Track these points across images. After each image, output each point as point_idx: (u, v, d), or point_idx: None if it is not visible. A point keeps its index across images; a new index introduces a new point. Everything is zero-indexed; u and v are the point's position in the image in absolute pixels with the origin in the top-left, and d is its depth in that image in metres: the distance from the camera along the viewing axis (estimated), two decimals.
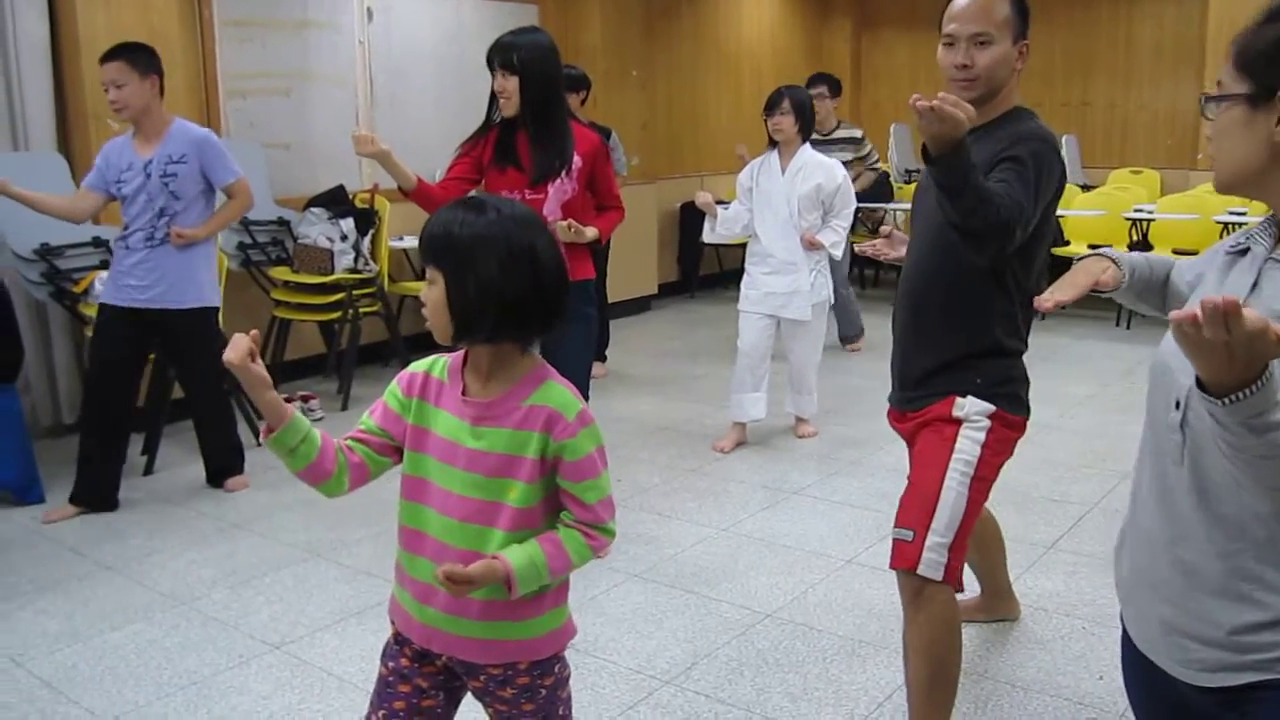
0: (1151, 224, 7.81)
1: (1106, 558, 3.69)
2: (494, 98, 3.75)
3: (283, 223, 5.89)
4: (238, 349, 1.66)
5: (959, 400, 2.44)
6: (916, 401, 2.54)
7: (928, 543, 2.38)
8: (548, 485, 1.72)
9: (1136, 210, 7.88)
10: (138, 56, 4.13)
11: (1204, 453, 1.36)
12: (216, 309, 4.46)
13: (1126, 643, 1.57)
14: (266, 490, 4.54)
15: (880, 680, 2.98)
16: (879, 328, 7.06)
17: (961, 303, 2.42)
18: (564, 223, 3.58)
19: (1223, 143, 1.39)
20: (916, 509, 2.43)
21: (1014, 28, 2.37)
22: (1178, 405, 1.39)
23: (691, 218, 9.03)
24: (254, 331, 1.70)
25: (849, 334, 7.01)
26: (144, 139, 4.23)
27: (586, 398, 3.76)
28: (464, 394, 1.75)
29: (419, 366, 1.82)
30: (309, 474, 1.77)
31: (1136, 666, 1.54)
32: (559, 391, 1.71)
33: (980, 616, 3.25)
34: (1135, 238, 7.95)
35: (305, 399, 5.56)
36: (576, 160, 3.67)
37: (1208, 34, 8.63)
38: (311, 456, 1.75)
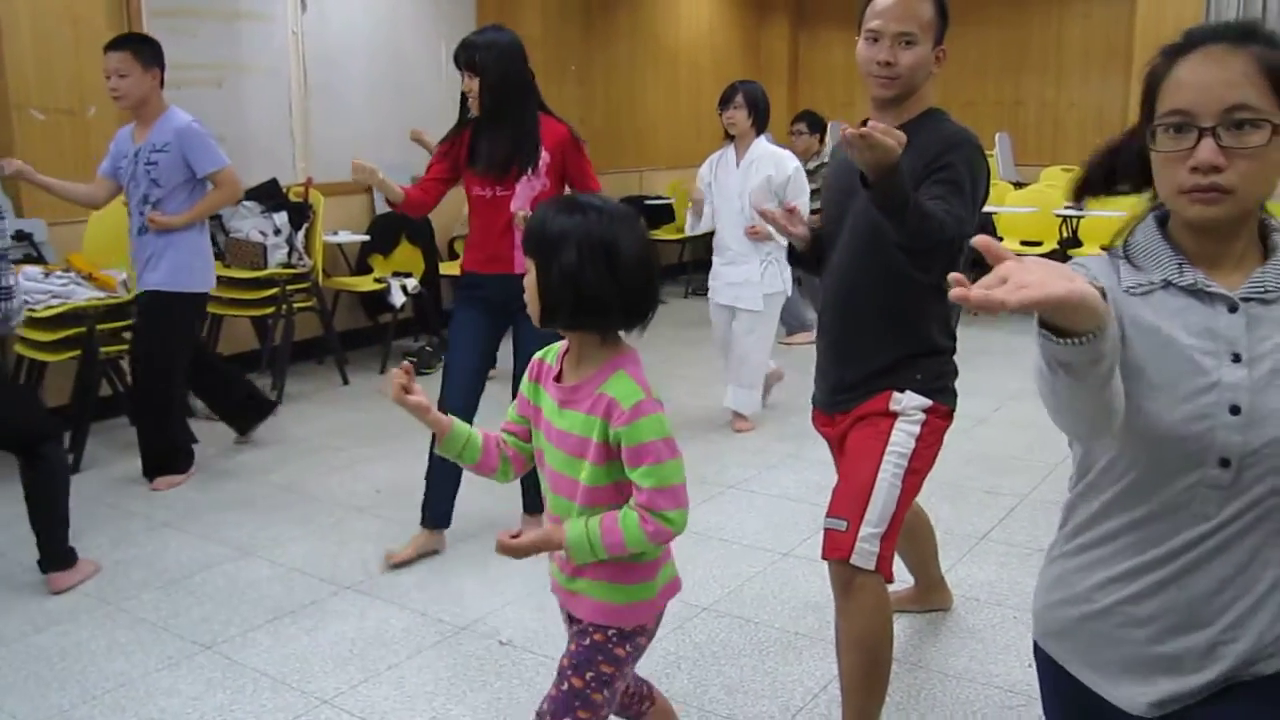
0: (1081, 221, 7.98)
1: (1037, 548, 3.77)
2: (464, 97, 3.75)
3: (214, 217, 5.77)
4: (394, 385, 1.88)
5: (896, 395, 2.47)
6: (850, 402, 2.55)
7: (861, 533, 2.39)
8: (615, 468, 1.88)
9: (1067, 208, 8.03)
10: (142, 49, 4.27)
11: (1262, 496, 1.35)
12: (187, 296, 4.44)
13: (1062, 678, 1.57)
14: (198, 489, 4.46)
15: (816, 671, 3.00)
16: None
17: (898, 306, 2.45)
18: (523, 213, 3.59)
19: (1265, 175, 1.33)
20: (850, 499, 2.44)
21: (936, 30, 2.38)
22: (1224, 463, 1.35)
23: None
24: (405, 364, 1.93)
25: (791, 327, 7.06)
26: (141, 128, 4.37)
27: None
28: (558, 378, 1.95)
29: (540, 354, 2.03)
30: (480, 469, 2.05)
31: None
32: (624, 381, 1.86)
33: (913, 607, 3.29)
34: (1065, 234, 8.11)
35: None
36: (545, 155, 3.65)
37: (1135, 36, 8.82)
38: (476, 458, 2.02)
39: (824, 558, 2.48)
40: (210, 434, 5.15)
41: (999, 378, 5.95)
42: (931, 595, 3.31)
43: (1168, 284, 1.41)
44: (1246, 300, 1.37)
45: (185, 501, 4.32)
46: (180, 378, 4.58)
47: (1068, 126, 9.36)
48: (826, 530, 2.46)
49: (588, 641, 1.97)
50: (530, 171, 3.65)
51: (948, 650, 3.11)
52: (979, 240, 1.17)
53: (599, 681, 1.97)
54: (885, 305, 2.46)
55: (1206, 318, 1.38)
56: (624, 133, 9.00)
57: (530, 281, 1.86)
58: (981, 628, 3.25)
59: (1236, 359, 1.35)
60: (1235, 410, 1.34)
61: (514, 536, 1.91)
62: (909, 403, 2.46)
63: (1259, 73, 1.30)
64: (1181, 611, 1.40)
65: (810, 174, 6.80)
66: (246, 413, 4.95)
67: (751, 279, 5.10)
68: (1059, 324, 1.15)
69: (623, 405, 1.83)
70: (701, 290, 8.94)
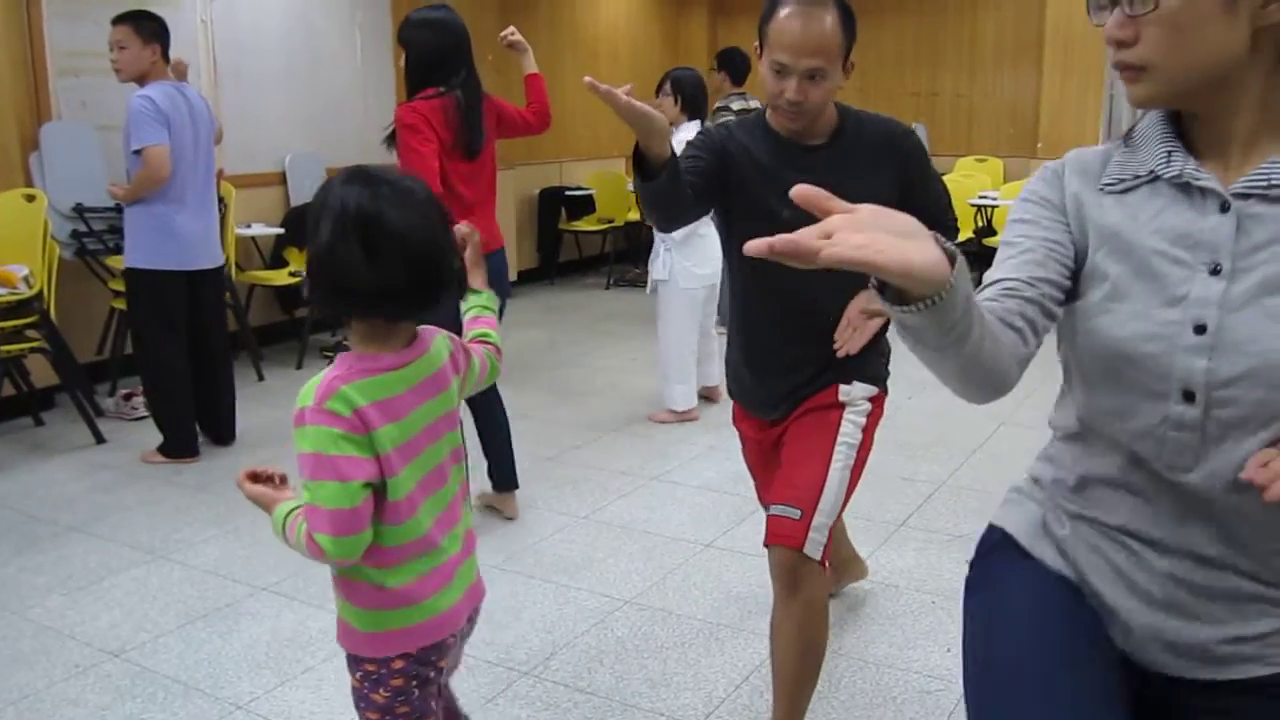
0: (995, 210, 8.14)
1: (953, 533, 3.82)
2: None
3: (119, 210, 5.61)
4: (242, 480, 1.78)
5: (843, 387, 2.45)
6: (796, 403, 2.50)
7: (814, 523, 2.34)
8: None
9: (981, 197, 8.19)
10: (143, 24, 4.40)
11: (1245, 441, 1.14)
12: (137, 273, 4.52)
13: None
14: (104, 491, 4.33)
15: (738, 662, 3.01)
16: None
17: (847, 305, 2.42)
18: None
19: (1180, 39, 1.11)
20: (804, 488, 2.38)
21: (844, 51, 2.23)
22: (1188, 396, 1.16)
23: (550, 204, 9.00)
24: (254, 470, 1.79)
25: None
26: None
27: None
28: None
29: None
30: None
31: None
32: (311, 383, 1.67)
33: (831, 589, 3.30)
34: (980, 223, 8.25)
35: (127, 396, 5.32)
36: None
37: (1045, 30, 8.99)
38: None
39: (770, 544, 2.39)
40: (118, 431, 5.01)
41: (912, 364, 6.01)
42: (845, 571, 3.32)
43: (1155, 177, 1.21)
44: (1244, 197, 1.14)
45: (91, 504, 4.19)
46: (163, 357, 4.58)
47: (982, 117, 9.51)
48: (776, 517, 2.38)
49: (351, 685, 1.82)
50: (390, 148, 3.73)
51: (867, 638, 3.14)
52: (798, 191, 1.00)
53: None
54: (840, 310, 2.42)
55: (1190, 219, 1.17)
56: None
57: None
58: (901, 614, 3.28)
59: (1216, 270, 1.14)
60: (1200, 329, 1.14)
61: (256, 479, 1.75)
62: (856, 393, 2.45)
63: None
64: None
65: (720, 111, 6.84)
66: (176, 442, 4.68)
67: (654, 264, 5.18)
68: (895, 286, 1.00)
69: (296, 404, 1.66)
70: (623, 282, 8.96)
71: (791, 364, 2.49)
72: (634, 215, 9.10)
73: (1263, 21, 1.09)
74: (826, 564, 2.41)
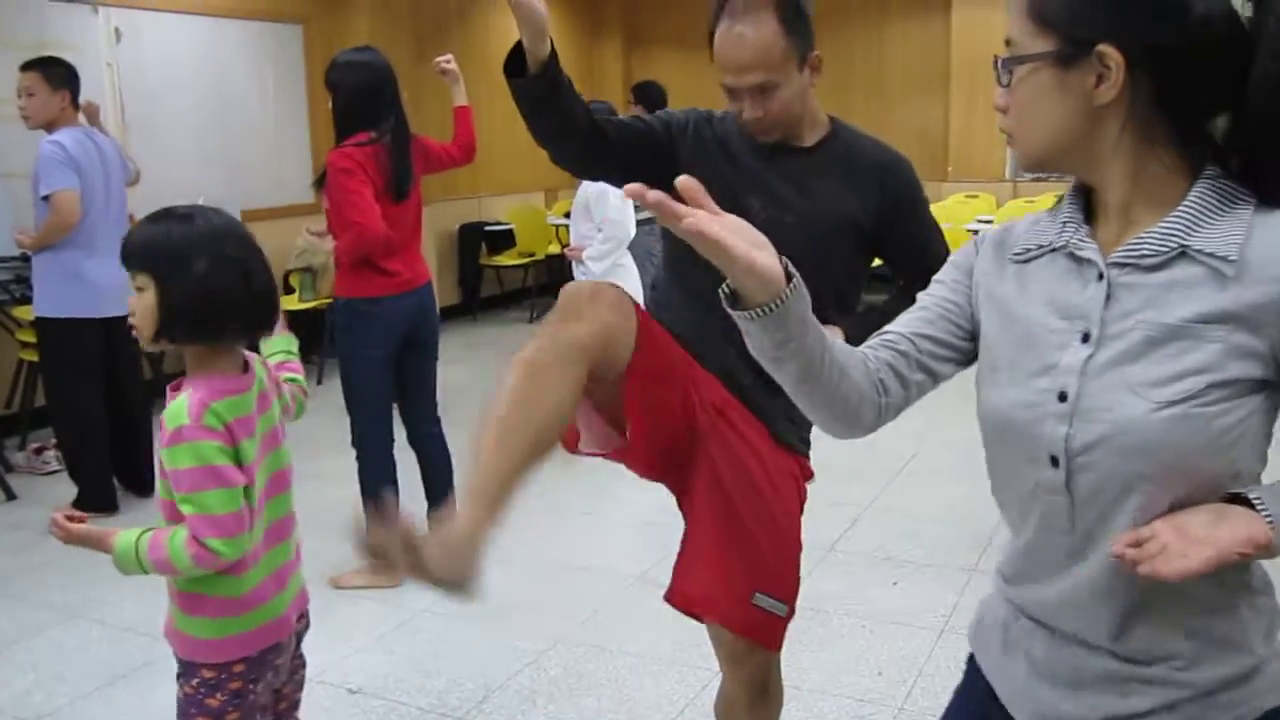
0: None
1: (880, 556, 3.87)
2: None
3: (26, 259, 5.46)
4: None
5: (803, 461, 2.22)
6: (770, 423, 2.15)
7: (795, 615, 2.10)
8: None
9: None
10: (52, 70, 4.35)
11: (1111, 510, 1.15)
12: (46, 321, 4.45)
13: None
14: (13, 551, 4.19)
15: (673, 695, 3.01)
16: None
17: None
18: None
19: (1028, 113, 1.17)
20: (786, 577, 2.11)
21: (797, 52, 2.00)
22: (1054, 462, 1.17)
23: (470, 239, 8.97)
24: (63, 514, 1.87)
25: None
26: None
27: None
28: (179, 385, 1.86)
29: None
30: None
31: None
32: (178, 402, 1.77)
33: None
34: None
35: (38, 450, 5.17)
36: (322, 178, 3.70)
37: (951, 56, 9.23)
38: None
39: (744, 635, 2.09)
40: (29, 487, 4.86)
41: None
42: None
43: (1053, 247, 1.23)
44: (1120, 266, 1.15)
45: (1, 564, 4.05)
46: (79, 407, 4.49)
47: (893, 143, 9.61)
48: (759, 609, 2.04)
49: (181, 694, 1.88)
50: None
51: (799, 666, 3.15)
52: (682, 180, 1.10)
53: None
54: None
55: (1074, 289, 1.19)
56: None
57: (146, 301, 1.78)
58: (831, 639, 3.31)
59: (1085, 338, 1.16)
60: (1062, 397, 1.15)
61: (72, 519, 1.85)
62: (806, 463, 2.23)
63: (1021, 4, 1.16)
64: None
65: None
66: (94, 495, 4.55)
67: None
68: (739, 291, 1.11)
69: (166, 426, 1.76)
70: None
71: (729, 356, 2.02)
72: (555, 249, 9.11)
73: (1097, 101, 1.12)
74: None
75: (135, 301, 1.79)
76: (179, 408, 1.76)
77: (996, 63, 1.19)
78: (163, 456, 1.78)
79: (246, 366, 1.89)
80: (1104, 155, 1.16)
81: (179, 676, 1.89)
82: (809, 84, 2.05)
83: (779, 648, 2.12)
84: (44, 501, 4.67)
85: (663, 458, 2.10)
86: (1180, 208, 1.14)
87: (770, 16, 1.96)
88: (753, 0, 1.96)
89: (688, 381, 2.02)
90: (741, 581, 2.03)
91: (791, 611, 2.08)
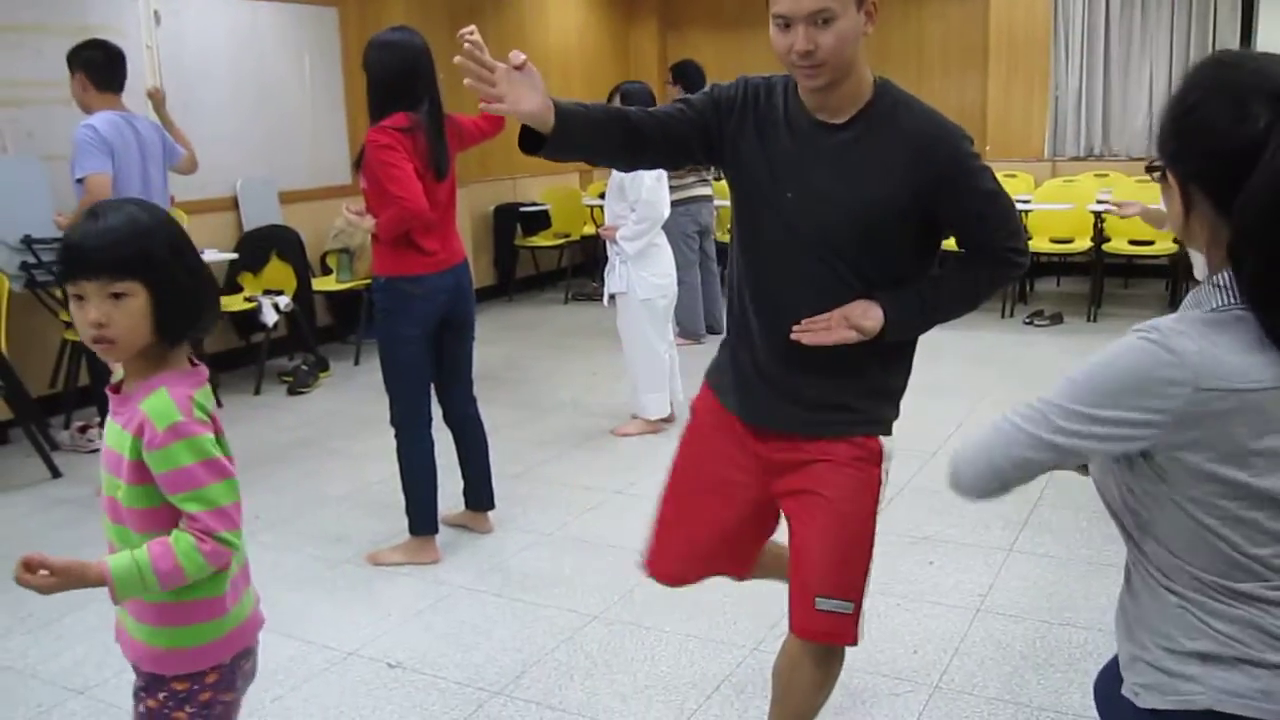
0: None
1: (917, 535, 3.86)
2: None
3: None
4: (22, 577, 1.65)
5: (885, 441, 2.19)
6: (830, 428, 2.15)
7: (864, 611, 2.15)
8: (155, 491, 1.68)
9: None
10: (72, 56, 4.49)
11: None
12: None
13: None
14: (60, 526, 4.29)
15: (708, 673, 3.02)
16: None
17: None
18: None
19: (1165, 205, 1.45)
20: (851, 573, 2.14)
21: None
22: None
23: (506, 220, 9.00)
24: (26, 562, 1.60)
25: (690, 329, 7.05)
26: None
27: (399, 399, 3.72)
28: (118, 387, 1.76)
29: None
30: None
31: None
32: (161, 399, 1.67)
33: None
34: None
35: (82, 429, 5.26)
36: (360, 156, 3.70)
37: (989, 35, 9.13)
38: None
39: (817, 641, 2.18)
40: (74, 465, 4.94)
41: None
42: (768, 569, 3.17)
43: None
44: None
45: (49, 539, 4.13)
46: None
47: None
48: (824, 613, 2.12)
49: (142, 710, 1.78)
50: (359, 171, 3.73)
51: None
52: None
53: None
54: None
55: None
56: (496, 141, 8.87)
57: (133, 307, 1.63)
58: (868, 617, 3.30)
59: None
60: None
61: (40, 571, 1.60)
62: (889, 445, 2.20)
63: None
64: None
65: None
66: None
67: (610, 276, 5.23)
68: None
69: (156, 426, 1.65)
70: (581, 296, 8.97)
71: (819, 362, 2.11)
72: (590, 229, 9.12)
73: (1177, 206, 1.41)
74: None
75: (113, 311, 1.62)
76: (164, 405, 1.66)
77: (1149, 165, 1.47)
78: (153, 459, 1.65)
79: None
80: (1202, 247, 1.39)
81: (138, 692, 1.79)
82: (864, 29, 1.96)
83: (855, 641, 2.18)
84: (88, 479, 4.74)
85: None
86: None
87: None
88: None
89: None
90: (803, 590, 2.15)
91: (858, 605, 2.15)
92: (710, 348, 7.29)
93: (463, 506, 4.08)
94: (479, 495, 4.06)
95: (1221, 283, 1.34)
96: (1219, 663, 1.35)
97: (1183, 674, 1.37)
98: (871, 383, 2.17)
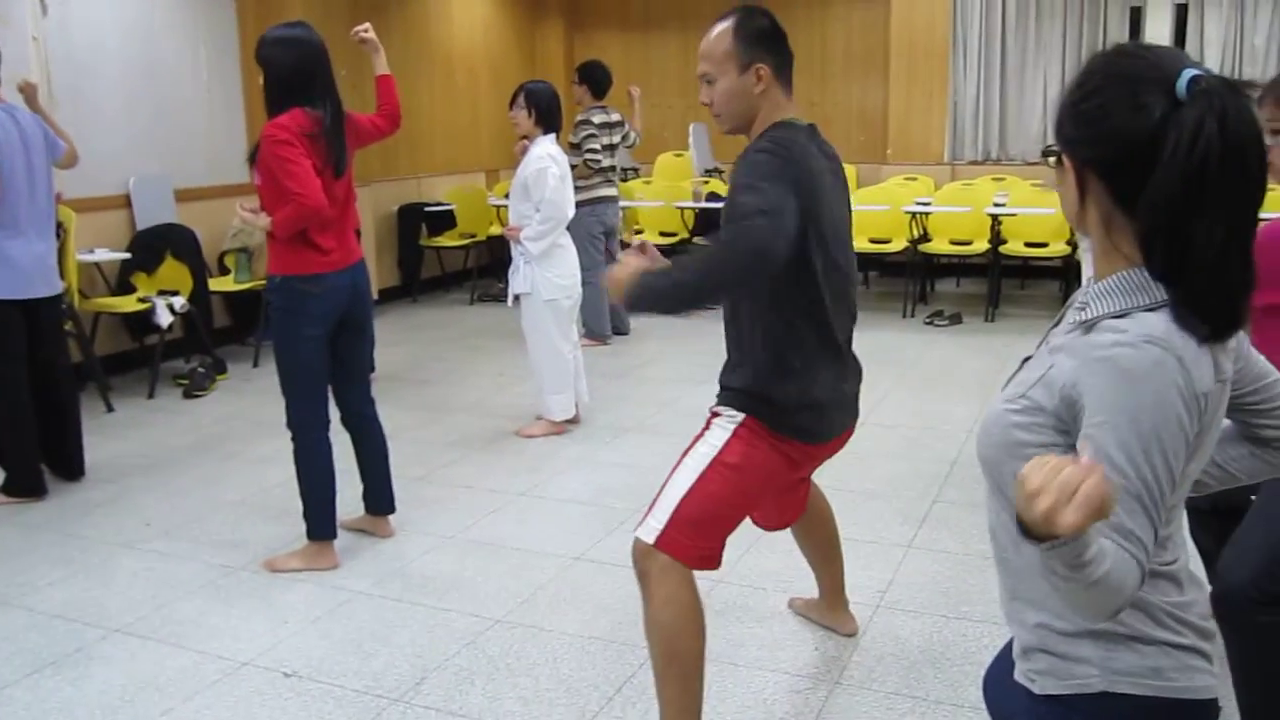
0: None
1: None
2: None
3: None
4: None
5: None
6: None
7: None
8: None
9: None
10: None
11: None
12: None
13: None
14: None
15: (610, 675, 3.01)
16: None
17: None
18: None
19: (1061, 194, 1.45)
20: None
21: (738, 59, 2.43)
22: None
23: (410, 220, 8.88)
24: None
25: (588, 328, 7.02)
26: None
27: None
28: None
29: None
30: None
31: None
32: None
33: (815, 617, 3.28)
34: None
35: None
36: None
37: (890, 41, 9.30)
38: None
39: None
40: None
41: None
42: (831, 612, 3.25)
43: None
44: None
45: None
46: (3, 390, 4.35)
47: (834, 125, 9.73)
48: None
49: None
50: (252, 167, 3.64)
51: (736, 640, 3.18)
52: None
53: None
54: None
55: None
56: (399, 139, 8.69)
57: None
58: (768, 616, 3.34)
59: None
60: None
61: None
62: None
63: None
64: None
65: (602, 129, 6.87)
66: (21, 480, 4.46)
67: (515, 276, 5.19)
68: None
69: None
70: (487, 297, 8.90)
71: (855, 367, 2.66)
72: (496, 230, 9.04)
73: (1071, 193, 1.40)
74: (684, 556, 2.45)
75: None
76: None
77: (1044, 152, 1.46)
78: None
79: None
80: (1096, 236, 1.40)
81: None
82: (753, 90, 2.45)
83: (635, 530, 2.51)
84: None
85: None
86: (1104, 281, 1.38)
87: (727, 22, 2.46)
88: (723, 17, 2.49)
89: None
90: None
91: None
92: (617, 349, 7.29)
93: (362, 511, 4.01)
94: (379, 499, 4.00)
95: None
96: (1110, 640, 1.37)
97: (1076, 656, 1.38)
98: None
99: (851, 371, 2.63)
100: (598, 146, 6.85)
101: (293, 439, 3.72)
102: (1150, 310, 1.31)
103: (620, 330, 7.28)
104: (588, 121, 6.94)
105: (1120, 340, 1.28)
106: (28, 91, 4.49)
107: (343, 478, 3.82)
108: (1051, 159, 1.42)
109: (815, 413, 2.51)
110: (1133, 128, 1.29)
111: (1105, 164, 1.34)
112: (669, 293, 2.28)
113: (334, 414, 3.83)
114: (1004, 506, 1.43)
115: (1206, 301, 1.28)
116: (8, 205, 4.23)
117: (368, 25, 3.99)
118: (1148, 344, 1.27)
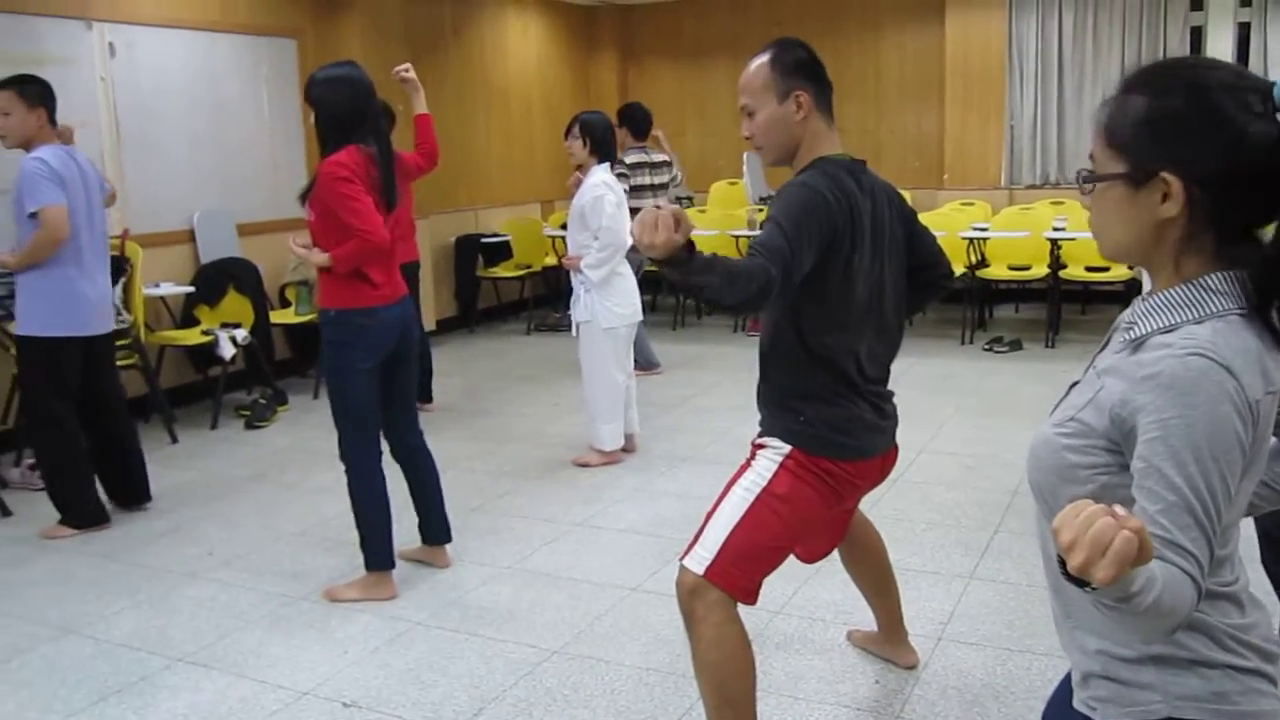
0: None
1: None
2: None
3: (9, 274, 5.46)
4: None
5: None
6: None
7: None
8: None
9: None
10: (27, 88, 4.33)
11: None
12: (31, 341, 4.39)
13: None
14: (9, 566, 4.18)
15: (668, 706, 2.99)
16: (665, 355, 7.18)
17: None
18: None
19: (1104, 221, 1.36)
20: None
21: (777, 89, 2.45)
22: None
23: (467, 251, 8.97)
24: None
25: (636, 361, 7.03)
26: None
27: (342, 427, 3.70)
28: None
29: None
30: None
31: None
32: None
33: (875, 650, 3.24)
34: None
35: (33, 466, 5.14)
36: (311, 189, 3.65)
37: (946, 65, 9.25)
38: None
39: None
40: (24, 503, 4.85)
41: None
42: (890, 644, 3.21)
43: None
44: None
45: None
46: (59, 424, 4.44)
47: (889, 152, 9.71)
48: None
49: None
50: (306, 201, 3.67)
51: (795, 673, 3.15)
52: None
53: None
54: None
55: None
56: (457, 171, 8.91)
57: None
58: (828, 648, 3.30)
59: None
60: None
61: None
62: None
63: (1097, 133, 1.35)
64: None
65: (635, 169, 6.87)
66: (80, 511, 4.55)
67: (576, 306, 5.22)
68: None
69: None
70: (543, 327, 8.94)
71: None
72: (551, 260, 9.11)
73: (1161, 215, 1.32)
74: (735, 591, 2.43)
75: None
76: None
77: (1078, 177, 1.37)
78: None
79: None
80: (1163, 258, 1.34)
81: None
82: (794, 119, 2.47)
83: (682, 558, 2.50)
84: (39, 518, 4.65)
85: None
86: (1150, 299, 1.34)
87: (766, 55, 2.50)
88: (760, 51, 2.52)
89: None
90: None
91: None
92: (671, 377, 7.25)
93: (418, 541, 4.03)
94: (434, 529, 4.02)
95: (1214, 286, 1.30)
96: (1174, 665, 1.33)
97: (1138, 682, 1.35)
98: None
99: (885, 400, 2.62)
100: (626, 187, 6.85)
101: (347, 471, 3.75)
102: (1198, 323, 1.28)
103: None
104: (621, 161, 6.93)
105: (1167, 355, 1.26)
106: (64, 135, 4.59)
107: (398, 509, 3.85)
108: (1088, 185, 1.36)
109: (849, 434, 2.51)
110: (1256, 134, 1.23)
111: (1224, 176, 1.26)
112: (686, 283, 2.12)
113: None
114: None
115: None
116: (73, 242, 4.34)
117: (408, 65, 4.06)
118: (1194, 356, 1.24)
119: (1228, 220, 1.29)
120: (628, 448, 5.33)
